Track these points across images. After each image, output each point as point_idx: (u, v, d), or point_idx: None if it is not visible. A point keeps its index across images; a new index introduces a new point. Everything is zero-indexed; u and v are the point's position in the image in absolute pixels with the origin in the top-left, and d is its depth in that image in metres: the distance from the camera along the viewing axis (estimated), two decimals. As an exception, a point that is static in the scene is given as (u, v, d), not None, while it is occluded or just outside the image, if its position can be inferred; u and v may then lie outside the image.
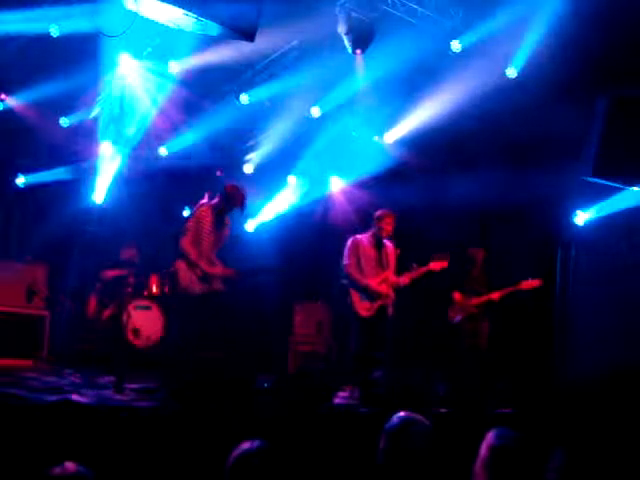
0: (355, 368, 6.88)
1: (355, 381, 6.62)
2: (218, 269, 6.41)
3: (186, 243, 6.34)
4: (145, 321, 8.63)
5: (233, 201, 6.53)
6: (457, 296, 8.05)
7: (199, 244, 6.38)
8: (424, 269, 7.12)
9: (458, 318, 8.01)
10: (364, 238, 7.13)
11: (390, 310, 7.01)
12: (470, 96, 7.92)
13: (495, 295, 7.92)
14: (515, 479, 2.88)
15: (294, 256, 10.22)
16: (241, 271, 6.65)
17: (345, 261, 7.08)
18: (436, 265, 7.17)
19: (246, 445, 2.77)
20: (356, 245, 7.08)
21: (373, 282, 6.95)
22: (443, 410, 5.73)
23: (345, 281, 7.06)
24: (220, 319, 6.49)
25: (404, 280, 7.07)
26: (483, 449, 3.00)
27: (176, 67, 8.61)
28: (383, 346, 6.93)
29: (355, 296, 6.96)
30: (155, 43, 8.31)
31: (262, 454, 2.74)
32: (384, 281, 6.99)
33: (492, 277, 8.16)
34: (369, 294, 6.94)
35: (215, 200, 6.56)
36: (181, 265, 6.34)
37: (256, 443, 2.78)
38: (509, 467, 2.87)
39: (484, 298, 7.97)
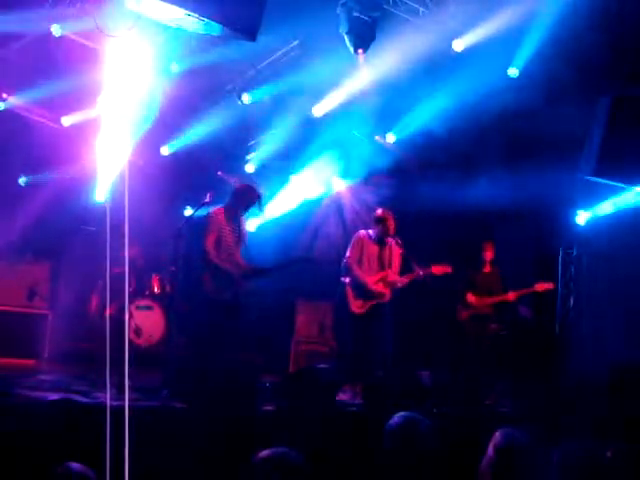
0: (353, 366, 6.88)
1: (355, 380, 6.62)
2: (233, 268, 6.34)
3: (209, 244, 6.31)
4: (147, 321, 8.63)
5: (243, 199, 6.48)
6: (471, 298, 8.01)
7: (220, 247, 6.37)
8: (425, 272, 7.10)
9: (466, 316, 7.99)
10: (368, 235, 7.14)
11: (389, 311, 7.01)
12: (472, 96, 7.92)
13: (511, 296, 7.89)
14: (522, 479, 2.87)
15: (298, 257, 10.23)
16: (265, 268, 6.58)
17: (347, 254, 7.10)
18: (438, 269, 7.15)
19: (275, 451, 2.75)
20: (361, 240, 7.10)
21: (370, 280, 6.95)
22: (445, 409, 5.73)
23: (343, 278, 7.07)
24: (237, 320, 6.47)
25: (403, 281, 7.07)
26: (490, 449, 2.99)
27: (178, 66, 8.61)
28: (380, 345, 6.93)
29: (350, 293, 6.98)
30: (157, 42, 8.31)
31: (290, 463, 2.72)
32: (381, 280, 6.99)
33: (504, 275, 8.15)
34: (363, 292, 6.95)
35: (228, 202, 6.55)
36: (206, 274, 6.33)
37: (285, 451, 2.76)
38: (516, 467, 2.86)
39: (499, 298, 7.94)
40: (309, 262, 7.95)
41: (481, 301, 7.96)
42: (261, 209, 6.65)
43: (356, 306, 6.97)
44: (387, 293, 6.99)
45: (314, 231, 10.74)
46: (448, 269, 7.20)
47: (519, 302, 8.16)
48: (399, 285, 7.06)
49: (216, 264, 6.26)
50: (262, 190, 6.62)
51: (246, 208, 6.52)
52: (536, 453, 2.88)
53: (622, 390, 6.09)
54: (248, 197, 6.50)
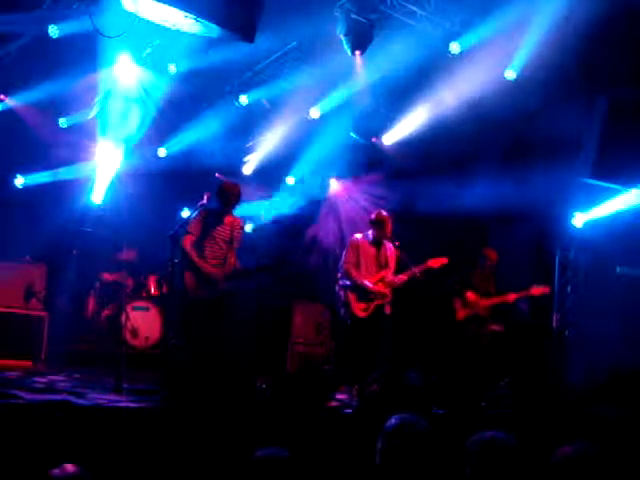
0: (353, 368, 6.89)
1: (353, 381, 6.62)
2: (211, 268, 6.42)
3: (187, 243, 6.40)
4: (143, 322, 8.63)
5: (223, 197, 6.54)
6: (470, 295, 8.02)
7: (200, 245, 6.44)
8: (422, 267, 7.12)
9: (463, 316, 8.01)
10: (364, 237, 7.16)
11: (388, 309, 7.02)
12: (469, 98, 7.93)
13: (511, 297, 7.92)
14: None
15: (293, 257, 10.23)
16: (242, 269, 6.63)
17: (344, 259, 7.10)
18: (435, 262, 7.18)
19: (269, 451, 2.77)
20: (356, 244, 7.10)
21: (369, 281, 6.96)
22: (441, 410, 5.73)
23: (342, 282, 7.07)
24: (221, 320, 6.50)
25: (402, 278, 7.08)
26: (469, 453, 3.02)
27: (175, 68, 8.62)
28: (381, 346, 6.93)
29: (352, 297, 6.97)
30: (155, 44, 8.32)
31: (284, 464, 2.74)
32: (381, 280, 7.00)
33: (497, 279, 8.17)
34: (366, 294, 6.94)
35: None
36: (187, 273, 6.40)
37: (279, 451, 2.78)
38: (497, 468, 2.88)
39: (498, 299, 7.96)
40: (271, 270, 7.97)
41: (480, 301, 7.98)
42: (236, 205, 6.63)
43: (359, 309, 6.96)
44: (388, 293, 7.01)
45: (311, 232, 10.74)
46: (445, 261, 7.21)
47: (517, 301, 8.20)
48: (398, 283, 7.07)
49: (196, 264, 6.34)
50: (256, 193, 6.63)
51: (228, 205, 6.55)
52: (522, 454, 2.89)
53: (620, 394, 6.10)
54: (227, 193, 6.53)
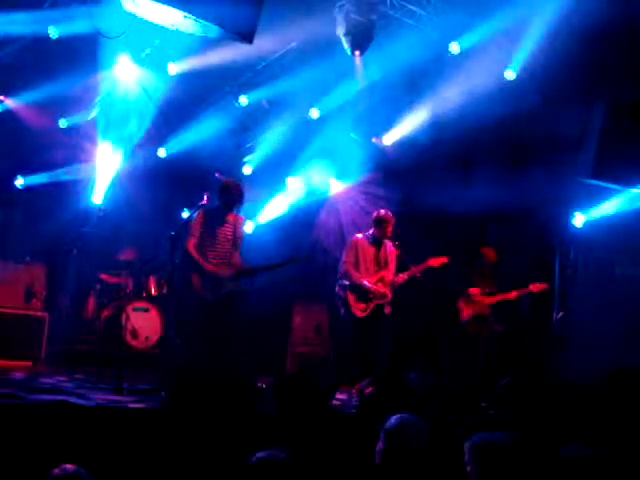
0: (352, 368, 6.90)
1: (353, 382, 6.63)
2: (215, 268, 6.43)
3: (191, 247, 6.42)
4: (143, 323, 8.62)
5: (226, 195, 6.57)
6: (474, 290, 8.03)
7: (201, 246, 6.45)
8: (422, 266, 7.14)
9: (467, 316, 8.01)
10: (364, 237, 7.18)
11: (388, 310, 7.03)
12: (469, 98, 7.93)
13: (512, 294, 7.94)
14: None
15: (297, 256, 10.23)
16: (248, 268, 6.64)
17: (343, 259, 7.12)
18: (435, 261, 7.20)
19: (268, 454, 2.78)
20: (356, 244, 7.13)
21: (369, 281, 6.97)
22: (440, 410, 5.73)
23: (342, 282, 7.07)
24: (225, 320, 6.51)
25: (402, 278, 7.09)
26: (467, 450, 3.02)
27: (175, 68, 8.62)
28: (380, 346, 6.94)
29: (351, 297, 6.98)
30: (154, 44, 8.32)
31: (283, 466, 2.75)
32: (380, 280, 7.01)
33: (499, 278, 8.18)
34: (365, 294, 6.95)
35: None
36: (193, 272, 6.41)
37: (278, 454, 2.79)
38: (496, 468, 2.88)
39: (500, 297, 7.97)
40: (299, 262, 7.96)
41: (483, 299, 7.98)
42: (241, 204, 6.66)
43: (359, 309, 6.98)
44: (388, 293, 7.02)
45: (311, 233, 10.73)
46: (445, 260, 7.23)
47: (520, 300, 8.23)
48: (398, 282, 7.09)
49: (199, 264, 6.36)
50: (256, 194, 6.66)
51: (230, 203, 6.57)
52: (522, 455, 2.90)
53: (620, 394, 6.10)
54: (229, 193, 6.57)
